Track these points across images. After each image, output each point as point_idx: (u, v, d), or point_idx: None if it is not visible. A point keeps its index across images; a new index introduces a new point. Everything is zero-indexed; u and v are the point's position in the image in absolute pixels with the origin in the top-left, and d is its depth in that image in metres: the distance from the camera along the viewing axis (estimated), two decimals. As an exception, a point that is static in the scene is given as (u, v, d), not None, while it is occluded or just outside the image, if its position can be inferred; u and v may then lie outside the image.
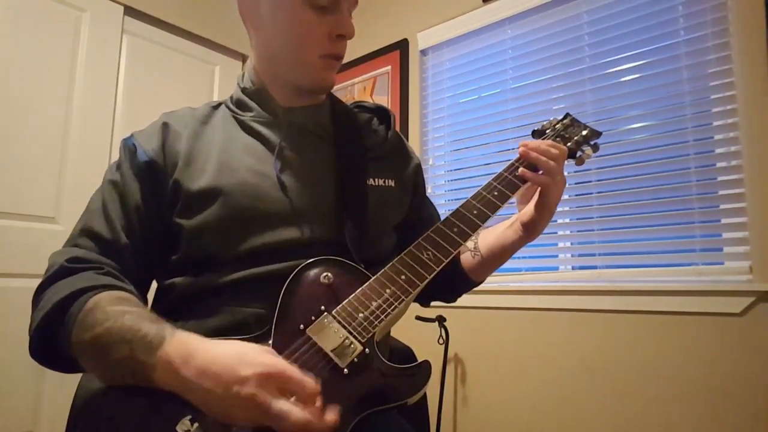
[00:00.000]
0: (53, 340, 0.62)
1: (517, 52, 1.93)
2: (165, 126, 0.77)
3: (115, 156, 0.78)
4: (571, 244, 1.78)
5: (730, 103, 1.45)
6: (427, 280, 0.68)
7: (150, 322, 0.58)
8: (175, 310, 0.71)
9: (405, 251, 0.71)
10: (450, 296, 0.97)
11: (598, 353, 1.56)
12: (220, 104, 0.85)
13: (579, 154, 0.89)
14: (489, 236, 0.89)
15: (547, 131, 0.91)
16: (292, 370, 0.53)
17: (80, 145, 1.91)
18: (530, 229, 0.82)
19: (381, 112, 0.93)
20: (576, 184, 1.75)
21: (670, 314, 1.45)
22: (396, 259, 0.70)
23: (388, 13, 2.36)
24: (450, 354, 1.84)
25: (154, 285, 0.78)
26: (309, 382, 0.53)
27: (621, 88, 1.67)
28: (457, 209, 0.76)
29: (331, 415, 0.52)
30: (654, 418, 1.44)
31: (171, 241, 0.73)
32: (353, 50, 2.44)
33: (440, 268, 0.69)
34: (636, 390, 1.48)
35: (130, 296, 0.64)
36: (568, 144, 0.88)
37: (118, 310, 0.59)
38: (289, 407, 0.50)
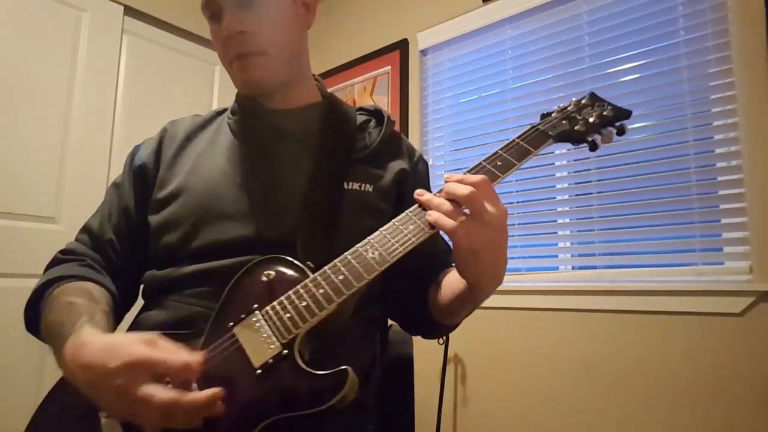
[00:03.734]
0: (35, 323, 0.70)
1: (517, 52, 1.93)
2: (163, 131, 0.86)
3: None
4: (571, 244, 1.78)
5: (730, 103, 1.45)
6: (365, 282, 0.61)
7: (76, 317, 0.61)
8: (145, 303, 0.78)
9: (351, 250, 0.64)
10: (422, 332, 0.87)
11: (598, 353, 1.56)
12: (225, 110, 0.90)
13: (592, 138, 0.75)
14: (449, 279, 0.76)
15: (554, 113, 0.78)
16: (155, 354, 0.53)
17: (80, 145, 1.91)
18: (473, 291, 0.67)
19: (377, 115, 0.91)
20: (576, 184, 1.75)
21: (670, 314, 1.45)
22: (339, 258, 0.63)
23: (388, 13, 2.36)
24: (450, 354, 1.84)
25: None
26: (174, 360, 0.53)
27: (621, 88, 1.67)
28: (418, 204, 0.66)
29: (203, 393, 0.52)
30: (654, 418, 1.44)
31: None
32: (353, 50, 2.44)
33: (383, 269, 0.61)
34: (636, 390, 1.48)
35: (94, 287, 0.70)
36: (576, 127, 0.75)
37: (66, 301, 0.65)
38: (153, 389, 0.50)
